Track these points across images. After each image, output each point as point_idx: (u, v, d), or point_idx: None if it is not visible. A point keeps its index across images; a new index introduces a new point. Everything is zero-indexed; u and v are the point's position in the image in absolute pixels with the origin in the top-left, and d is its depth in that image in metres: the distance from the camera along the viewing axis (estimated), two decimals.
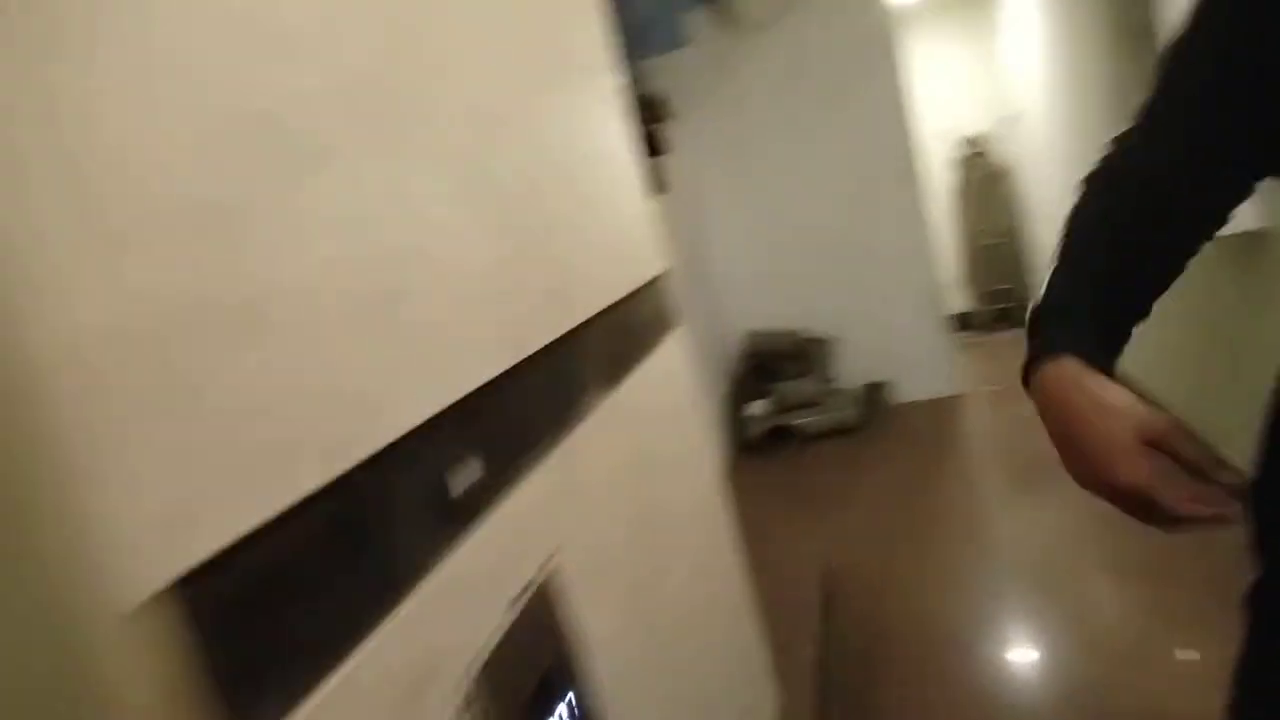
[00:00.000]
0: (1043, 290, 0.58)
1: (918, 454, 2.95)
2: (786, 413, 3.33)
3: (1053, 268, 0.58)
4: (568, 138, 0.82)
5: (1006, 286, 4.35)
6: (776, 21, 3.20)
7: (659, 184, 2.96)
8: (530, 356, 0.64)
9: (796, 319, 3.51)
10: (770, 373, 3.43)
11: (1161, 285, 0.57)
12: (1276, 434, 0.57)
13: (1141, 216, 0.56)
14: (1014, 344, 3.94)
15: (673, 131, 3.21)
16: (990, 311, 4.42)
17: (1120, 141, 0.60)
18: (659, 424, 0.96)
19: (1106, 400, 0.50)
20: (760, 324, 3.57)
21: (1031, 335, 0.56)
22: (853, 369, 3.48)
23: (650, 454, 0.91)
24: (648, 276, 0.98)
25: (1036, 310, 0.57)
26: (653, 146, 3.04)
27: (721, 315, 3.59)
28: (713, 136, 3.40)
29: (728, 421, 3.40)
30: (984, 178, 4.32)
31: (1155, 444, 0.49)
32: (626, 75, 3.20)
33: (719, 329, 3.54)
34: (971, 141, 4.31)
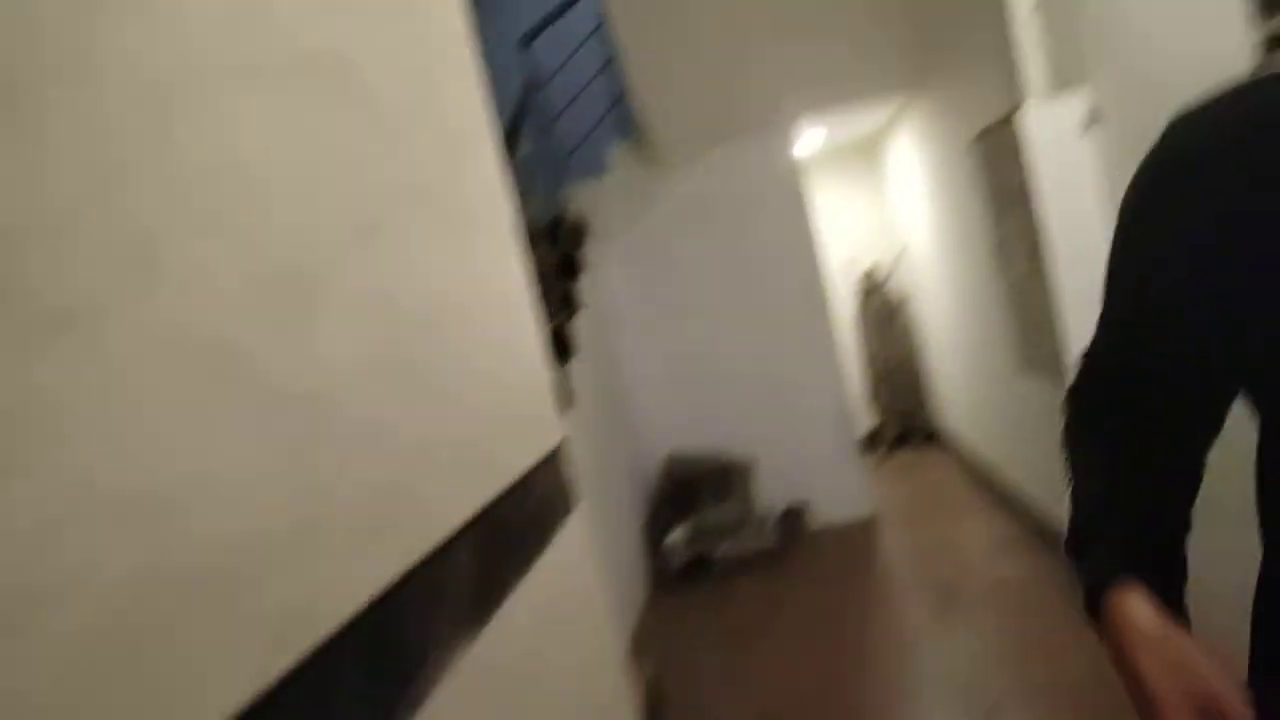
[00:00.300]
0: (1072, 509, 0.56)
1: (838, 581, 2.90)
2: (706, 539, 3.18)
3: (1072, 487, 0.57)
4: (433, 289, 0.64)
5: (908, 407, 4.51)
6: (692, 159, 3.35)
7: (575, 305, 2.86)
8: (331, 637, 0.40)
9: (714, 442, 3.46)
10: (690, 496, 3.29)
11: (1184, 490, 0.55)
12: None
13: (1136, 436, 0.56)
14: (915, 462, 4.16)
15: (592, 254, 3.17)
16: (894, 430, 4.54)
17: (1094, 356, 0.59)
18: (550, 646, 0.72)
19: (1166, 656, 0.48)
20: (678, 447, 3.47)
21: (1078, 557, 0.55)
22: (769, 492, 3.40)
23: (536, 700, 0.66)
24: (542, 451, 0.77)
25: (1075, 530, 0.56)
26: (572, 268, 2.98)
27: (640, 439, 3.45)
28: (631, 261, 3.44)
29: (646, 552, 3.17)
30: (882, 307, 4.57)
31: (1206, 708, 0.47)
32: (549, 200, 3.21)
33: (638, 453, 3.38)
34: (869, 275, 4.59)
